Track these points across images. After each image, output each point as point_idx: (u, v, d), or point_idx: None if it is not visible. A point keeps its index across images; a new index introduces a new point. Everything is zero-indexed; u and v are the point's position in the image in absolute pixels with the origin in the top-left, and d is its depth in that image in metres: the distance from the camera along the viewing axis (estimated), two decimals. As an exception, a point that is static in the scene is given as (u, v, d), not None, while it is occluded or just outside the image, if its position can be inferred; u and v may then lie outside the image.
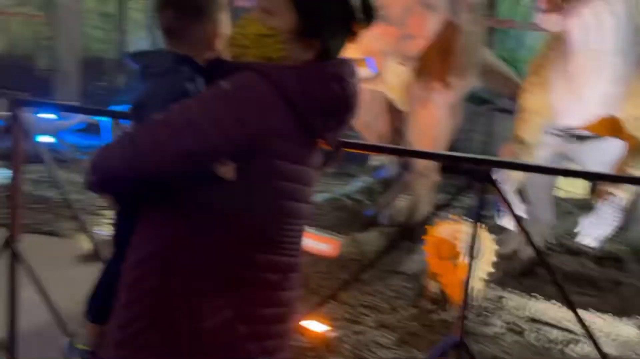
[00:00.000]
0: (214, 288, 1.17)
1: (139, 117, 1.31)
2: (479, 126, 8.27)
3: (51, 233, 4.09)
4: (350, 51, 3.99)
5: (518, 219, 1.88)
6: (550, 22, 2.43)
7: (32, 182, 4.90)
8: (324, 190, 5.89)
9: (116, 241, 1.47)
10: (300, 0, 1.19)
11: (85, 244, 3.60)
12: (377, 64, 3.85)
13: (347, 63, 1.27)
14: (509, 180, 3.20)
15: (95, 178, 1.19)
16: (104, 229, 3.92)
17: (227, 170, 1.14)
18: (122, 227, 1.42)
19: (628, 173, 2.94)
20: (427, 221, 2.14)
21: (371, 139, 5.40)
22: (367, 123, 5.24)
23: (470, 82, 5.12)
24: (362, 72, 4.15)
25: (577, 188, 6.13)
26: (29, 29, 13.45)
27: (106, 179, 1.19)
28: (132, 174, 1.15)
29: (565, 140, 3.68)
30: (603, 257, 4.24)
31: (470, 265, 1.85)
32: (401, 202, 4.66)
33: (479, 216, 1.76)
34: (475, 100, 8.47)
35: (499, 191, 1.70)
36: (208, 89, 1.22)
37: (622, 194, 2.86)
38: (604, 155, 3.42)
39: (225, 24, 1.45)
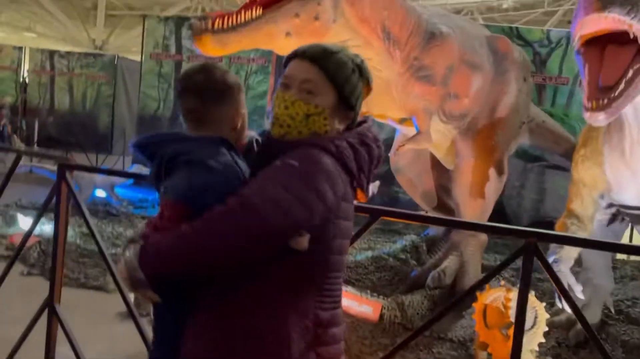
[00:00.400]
0: (298, 350, 1.25)
1: (198, 207, 1.26)
2: (530, 183, 8.02)
3: (98, 288, 4.16)
4: (396, 112, 4.00)
5: (567, 296, 1.74)
6: (597, 119, 2.37)
7: (84, 235, 5.05)
8: (369, 248, 5.79)
9: (158, 330, 1.47)
10: (338, 80, 1.35)
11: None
12: (421, 123, 3.82)
13: (371, 123, 1.45)
14: (564, 255, 3.04)
15: (168, 270, 1.22)
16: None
17: (302, 241, 1.22)
18: (167, 318, 1.41)
19: None
20: (476, 286, 2.04)
21: (415, 197, 5.33)
22: (412, 181, 5.18)
23: (519, 140, 5.03)
24: (408, 131, 4.17)
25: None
26: (93, 89, 14.40)
27: (179, 271, 1.22)
28: (210, 261, 1.20)
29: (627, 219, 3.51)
30: (671, 329, 3.91)
31: (516, 337, 1.72)
32: (449, 263, 4.50)
33: (525, 289, 1.65)
34: (526, 157, 8.30)
35: (545, 265, 1.60)
36: (273, 168, 1.26)
37: None
38: None
39: (244, 104, 1.53)
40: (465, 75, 4.02)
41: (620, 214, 3.54)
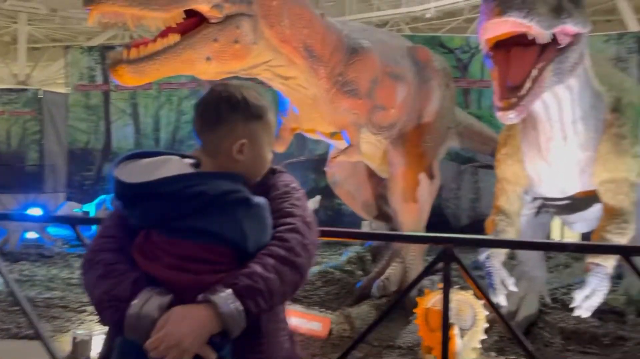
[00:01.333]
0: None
1: (242, 254, 1.31)
2: (465, 183, 8.32)
3: (30, 337, 3.93)
4: (325, 126, 4.04)
5: (488, 298, 1.81)
6: (508, 118, 2.51)
7: (15, 282, 4.76)
8: (315, 263, 5.80)
9: None
10: None
11: (64, 346, 3.46)
12: (352, 136, 3.89)
13: None
14: (494, 251, 3.16)
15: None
16: (86, 329, 3.78)
17: None
18: None
19: (607, 241, 2.90)
20: (403, 295, 2.08)
21: (355, 208, 5.41)
22: (350, 193, 5.26)
23: (448, 145, 5.21)
24: (340, 144, 4.23)
25: (573, 238, 6.07)
26: (18, 127, 13.72)
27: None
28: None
29: (553, 211, 3.69)
30: (603, 311, 4.12)
31: (444, 338, 1.77)
32: (392, 270, 4.57)
33: (447, 293, 1.70)
34: (459, 159, 8.61)
35: (463, 269, 1.65)
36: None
37: (608, 262, 2.81)
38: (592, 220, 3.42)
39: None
40: (390, 87, 4.13)
41: (545, 206, 3.73)
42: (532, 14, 2.31)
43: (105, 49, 9.75)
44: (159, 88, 8.82)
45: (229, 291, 1.22)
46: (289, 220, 1.37)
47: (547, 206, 3.72)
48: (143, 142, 9.00)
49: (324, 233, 2.22)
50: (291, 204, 1.40)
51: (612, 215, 3.02)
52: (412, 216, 4.44)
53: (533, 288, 3.96)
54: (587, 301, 2.79)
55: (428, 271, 1.84)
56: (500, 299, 3.02)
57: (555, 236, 7.97)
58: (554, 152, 3.15)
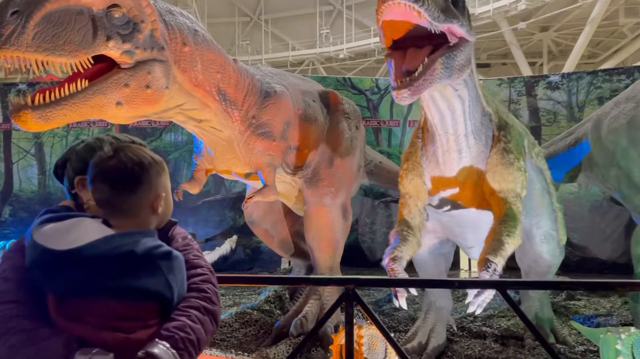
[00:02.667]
0: None
1: (167, 307, 1.38)
2: (380, 218, 8.63)
3: None
4: (241, 167, 4.08)
5: (387, 335, 1.93)
6: (403, 96, 2.71)
7: None
8: (233, 304, 5.72)
9: None
10: None
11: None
12: (267, 177, 3.97)
13: None
14: (400, 256, 3.29)
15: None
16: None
17: None
18: None
19: (500, 241, 3.10)
20: (311, 334, 2.15)
21: (272, 246, 5.46)
22: (268, 231, 5.31)
23: (360, 182, 5.44)
24: (256, 184, 4.29)
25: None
26: None
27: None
28: None
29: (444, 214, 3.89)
30: (504, 336, 4.42)
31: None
32: (310, 308, 4.62)
33: (350, 334, 1.79)
34: (373, 194, 8.95)
35: (364, 309, 1.76)
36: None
37: (498, 259, 3.03)
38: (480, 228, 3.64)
39: (165, 185, 1.52)
40: (303, 128, 4.29)
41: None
42: (421, 2, 2.54)
43: (6, 86, 9.23)
44: (66, 127, 8.46)
45: (167, 344, 1.30)
46: (199, 270, 1.45)
47: (446, 231, 3.94)
48: (49, 184, 8.53)
49: (226, 280, 2.26)
50: (195, 255, 1.49)
51: (502, 219, 3.25)
52: (327, 253, 4.56)
53: (441, 318, 4.17)
54: (479, 296, 2.94)
55: (332, 312, 1.93)
56: (402, 303, 3.09)
57: (464, 265, 8.45)
58: (450, 164, 3.41)
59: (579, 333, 4.31)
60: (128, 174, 1.42)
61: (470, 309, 2.94)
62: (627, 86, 6.35)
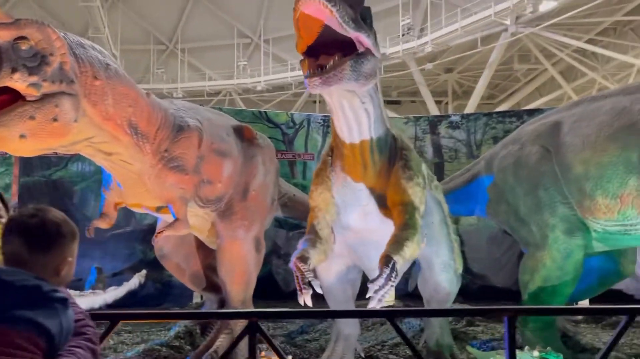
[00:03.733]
0: None
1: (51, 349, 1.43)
2: (293, 249, 8.71)
3: None
4: (151, 201, 4.04)
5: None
6: (314, 84, 2.89)
7: None
8: (141, 341, 5.52)
9: None
10: None
11: None
12: (178, 210, 3.97)
13: None
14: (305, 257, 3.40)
15: None
16: None
17: None
18: None
19: (402, 244, 3.33)
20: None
21: (184, 280, 5.38)
22: (179, 265, 5.24)
23: (273, 215, 5.54)
24: (167, 218, 4.26)
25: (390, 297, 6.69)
26: None
27: None
28: None
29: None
30: (408, 362, 4.64)
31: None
32: (221, 342, 4.59)
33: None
34: (287, 226, 9.06)
35: (267, 341, 1.86)
36: None
37: (397, 257, 3.23)
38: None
39: (74, 252, 1.60)
40: (216, 162, 4.35)
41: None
42: (333, 2, 2.75)
43: None
44: (-41, 154, 7.86)
45: None
46: (77, 316, 1.57)
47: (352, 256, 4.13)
48: None
49: (131, 316, 2.26)
50: (72, 302, 1.57)
51: (403, 227, 3.46)
52: (239, 287, 4.59)
53: (349, 347, 4.31)
54: (379, 291, 3.10)
55: (234, 345, 1.99)
56: (306, 299, 3.15)
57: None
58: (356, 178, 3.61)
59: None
60: (46, 234, 1.51)
61: (370, 305, 3.05)
62: (517, 127, 7.02)
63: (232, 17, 27.10)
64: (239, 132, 4.81)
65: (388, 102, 29.29)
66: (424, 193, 3.69)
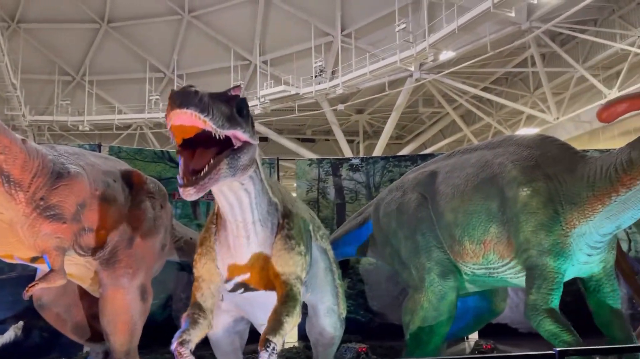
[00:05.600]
0: None
1: None
2: (188, 290, 8.53)
3: None
4: (24, 251, 3.89)
5: None
6: (189, 193, 2.93)
7: None
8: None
9: None
10: None
11: None
12: (54, 261, 3.82)
13: None
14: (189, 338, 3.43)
15: None
16: None
17: None
18: None
19: (280, 321, 3.44)
20: None
21: (65, 331, 5.11)
22: (60, 316, 4.98)
23: (164, 260, 5.44)
24: (45, 268, 4.08)
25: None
26: None
27: None
28: None
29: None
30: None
31: None
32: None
33: None
34: (189, 269, 8.87)
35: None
36: None
37: (277, 339, 3.32)
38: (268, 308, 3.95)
39: None
40: (99, 210, 4.25)
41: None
42: (207, 112, 2.84)
43: None
44: None
45: None
46: None
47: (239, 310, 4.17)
48: None
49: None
50: None
51: (284, 301, 3.59)
52: (123, 337, 4.45)
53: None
54: None
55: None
56: None
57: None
58: (240, 250, 3.68)
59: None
60: None
61: None
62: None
63: (144, 50, 26.64)
64: (127, 177, 4.74)
65: (303, 140, 29.91)
66: (305, 261, 3.83)
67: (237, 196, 3.46)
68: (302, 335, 8.33)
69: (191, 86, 2.96)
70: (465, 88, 21.11)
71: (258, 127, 25.37)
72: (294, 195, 8.04)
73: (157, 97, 26.12)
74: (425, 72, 20.57)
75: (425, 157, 9.09)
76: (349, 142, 27.40)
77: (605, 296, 4.14)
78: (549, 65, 19.97)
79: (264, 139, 27.83)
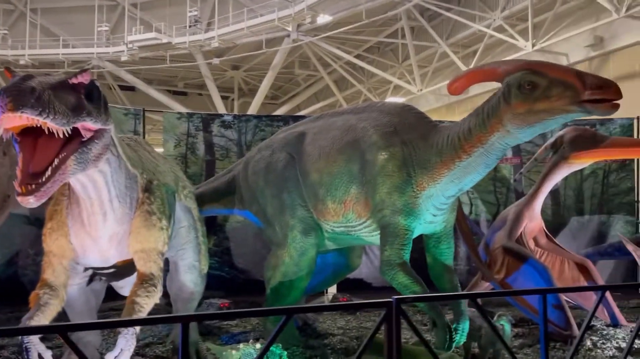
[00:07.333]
0: None
1: None
2: (38, 245, 7.94)
3: None
4: None
5: None
6: (28, 203, 2.68)
7: None
8: None
9: None
10: None
11: None
12: None
13: None
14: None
15: None
16: None
17: None
18: None
19: (138, 303, 3.39)
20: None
21: None
22: None
23: (7, 212, 4.96)
24: None
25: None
26: None
27: None
28: None
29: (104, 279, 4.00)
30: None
31: None
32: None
33: None
34: (39, 223, 8.17)
35: None
36: None
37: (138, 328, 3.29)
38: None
39: None
40: None
41: (95, 275, 4.01)
42: (46, 112, 2.58)
43: None
44: None
45: None
46: None
47: (98, 275, 4.00)
48: None
49: None
50: None
51: (143, 279, 3.52)
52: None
53: (89, 354, 4.11)
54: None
55: None
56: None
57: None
58: (95, 226, 3.48)
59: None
60: None
61: None
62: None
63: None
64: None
65: (174, 93, 28.55)
66: (167, 235, 3.76)
67: (90, 178, 3.25)
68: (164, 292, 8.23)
69: (28, 77, 2.65)
70: (340, 53, 21.59)
71: (124, 75, 23.62)
72: (161, 150, 7.73)
73: (6, 31, 23.00)
74: (303, 33, 20.62)
75: (298, 119, 9.22)
76: (224, 98, 26.78)
77: (441, 252, 4.61)
78: (417, 39, 21.14)
79: (130, 89, 26.11)
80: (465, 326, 4.25)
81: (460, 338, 4.23)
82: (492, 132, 3.83)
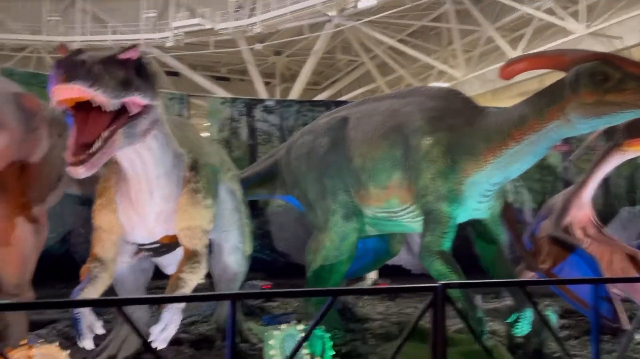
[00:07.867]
0: None
1: None
2: (89, 225, 8.24)
3: None
4: None
5: None
6: (78, 172, 2.77)
7: None
8: None
9: None
10: None
11: None
12: None
13: None
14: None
15: None
16: None
17: None
18: None
19: (183, 279, 3.48)
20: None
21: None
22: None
23: (61, 192, 5.16)
24: None
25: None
26: None
27: None
28: None
29: (147, 255, 4.13)
30: (199, 341, 4.77)
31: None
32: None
33: None
34: (89, 203, 8.49)
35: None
36: None
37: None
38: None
39: None
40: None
41: (141, 251, 4.13)
42: (97, 84, 2.66)
43: None
44: None
45: None
46: None
47: (143, 251, 4.14)
48: None
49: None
50: None
51: (188, 257, 3.62)
52: (14, 268, 4.22)
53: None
54: (162, 333, 3.23)
55: None
56: (86, 344, 3.22)
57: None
58: (142, 203, 3.59)
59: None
60: None
61: (154, 344, 3.17)
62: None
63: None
64: (19, 101, 4.35)
65: (217, 78, 28.94)
66: (212, 213, 3.82)
67: (137, 153, 3.33)
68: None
69: (80, 51, 2.71)
70: (382, 38, 21.36)
71: (169, 60, 24.12)
72: (205, 135, 7.87)
73: (58, 18, 23.85)
74: (345, 18, 20.47)
75: (339, 104, 9.16)
76: (265, 84, 26.96)
77: (490, 239, 4.53)
78: (462, 22, 20.64)
79: (174, 74, 26.63)
80: (529, 314, 4.18)
81: (524, 326, 4.17)
82: (550, 119, 3.71)
